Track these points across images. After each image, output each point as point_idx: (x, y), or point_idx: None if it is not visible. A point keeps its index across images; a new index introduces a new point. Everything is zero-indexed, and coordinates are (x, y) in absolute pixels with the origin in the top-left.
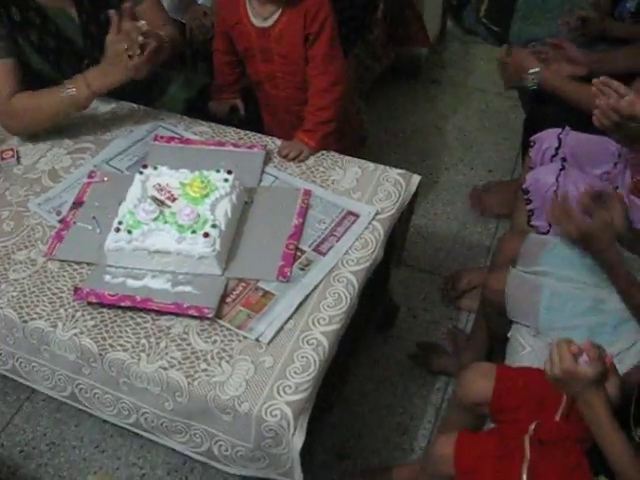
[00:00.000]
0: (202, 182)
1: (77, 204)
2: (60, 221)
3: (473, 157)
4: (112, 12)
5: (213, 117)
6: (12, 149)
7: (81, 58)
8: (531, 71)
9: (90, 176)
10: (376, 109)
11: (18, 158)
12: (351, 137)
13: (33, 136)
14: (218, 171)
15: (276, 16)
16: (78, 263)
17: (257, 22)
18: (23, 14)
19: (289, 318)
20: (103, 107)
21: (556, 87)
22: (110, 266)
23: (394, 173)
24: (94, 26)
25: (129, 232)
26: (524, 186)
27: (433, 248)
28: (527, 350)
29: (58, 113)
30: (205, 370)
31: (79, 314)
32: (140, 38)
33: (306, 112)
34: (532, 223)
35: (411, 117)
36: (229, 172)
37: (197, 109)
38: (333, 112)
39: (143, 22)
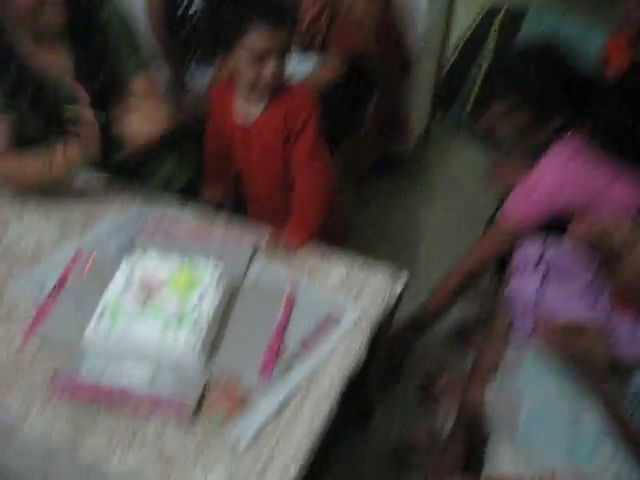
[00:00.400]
0: (189, 271)
1: (60, 284)
2: (42, 301)
3: (455, 252)
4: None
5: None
6: None
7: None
8: None
9: (75, 257)
10: (361, 203)
11: (3, 232)
12: (335, 230)
13: (20, 210)
14: (206, 261)
15: (258, 114)
16: (57, 346)
17: (240, 120)
18: (20, 71)
19: (269, 418)
20: (94, 184)
21: None
22: (90, 352)
23: (381, 270)
24: (89, 92)
25: (112, 319)
26: (506, 293)
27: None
28: (506, 459)
29: (41, 178)
30: (181, 473)
31: (55, 399)
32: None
33: (293, 207)
34: (513, 330)
35: (395, 212)
36: (216, 263)
37: (190, 191)
38: (319, 208)
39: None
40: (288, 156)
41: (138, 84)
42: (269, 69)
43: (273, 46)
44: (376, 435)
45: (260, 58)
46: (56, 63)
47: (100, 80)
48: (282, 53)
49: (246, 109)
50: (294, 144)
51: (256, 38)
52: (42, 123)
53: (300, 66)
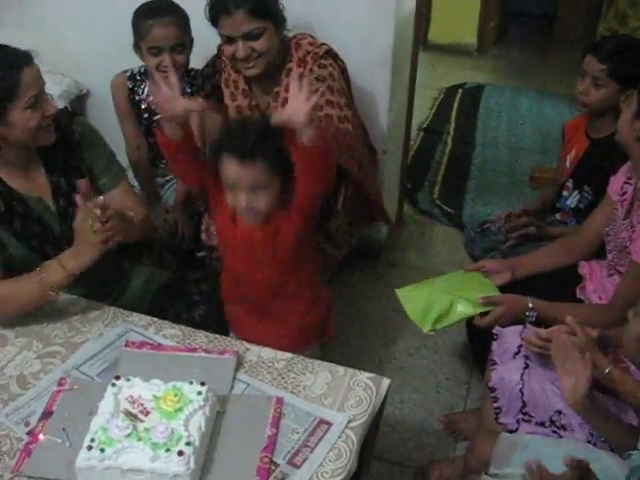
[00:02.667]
0: (175, 395)
1: (46, 414)
2: (28, 433)
3: (435, 341)
4: (78, 197)
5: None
6: None
7: (60, 242)
8: (528, 313)
9: (60, 383)
10: (337, 294)
11: None
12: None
13: (2, 339)
14: (191, 383)
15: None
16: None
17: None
18: (7, 204)
19: None
20: (73, 307)
21: (556, 313)
22: None
23: (364, 377)
24: (72, 211)
25: (102, 450)
26: (490, 384)
27: (401, 438)
28: None
29: (37, 298)
30: None
31: None
32: (98, 211)
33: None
34: (500, 421)
35: (371, 302)
36: (202, 384)
37: (159, 306)
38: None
39: (100, 197)
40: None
41: (116, 196)
42: (241, 200)
43: (242, 180)
44: None
45: (232, 188)
46: (35, 189)
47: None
48: (255, 187)
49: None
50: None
51: (228, 168)
52: (28, 251)
53: None
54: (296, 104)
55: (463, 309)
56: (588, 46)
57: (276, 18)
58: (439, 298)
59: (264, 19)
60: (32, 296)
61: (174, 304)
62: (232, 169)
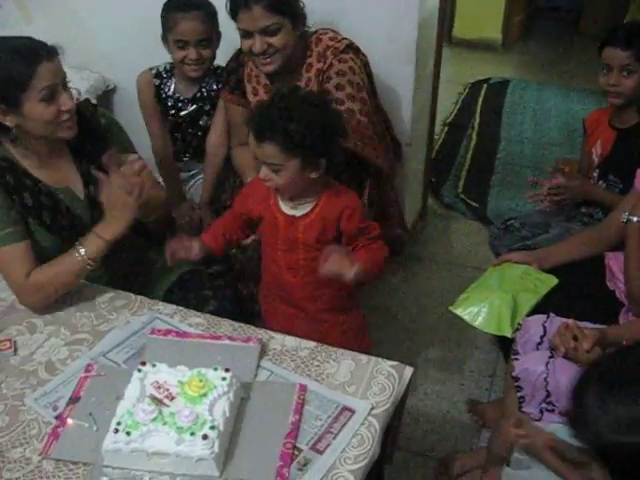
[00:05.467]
0: (200, 381)
1: (74, 399)
2: (56, 417)
3: (458, 334)
4: (100, 174)
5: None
6: (9, 340)
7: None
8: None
9: (87, 370)
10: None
11: (15, 349)
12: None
13: (29, 328)
14: (216, 369)
15: (309, 207)
16: (74, 463)
17: (287, 210)
18: (34, 198)
19: None
20: (100, 297)
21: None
22: (107, 467)
23: (387, 365)
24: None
25: (128, 434)
26: (513, 374)
27: (424, 429)
28: None
29: (77, 274)
30: None
31: None
32: (136, 166)
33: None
34: (523, 410)
35: (395, 295)
36: (227, 370)
37: (171, 298)
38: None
39: (133, 156)
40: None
41: None
42: (261, 174)
43: (260, 157)
44: None
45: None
46: (63, 180)
47: None
48: (271, 166)
49: (294, 202)
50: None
51: (251, 145)
52: (60, 242)
53: None
54: (341, 266)
55: (527, 300)
56: (602, 40)
57: (294, 14)
58: (500, 299)
59: (282, 15)
60: (72, 272)
61: (186, 297)
62: (253, 146)
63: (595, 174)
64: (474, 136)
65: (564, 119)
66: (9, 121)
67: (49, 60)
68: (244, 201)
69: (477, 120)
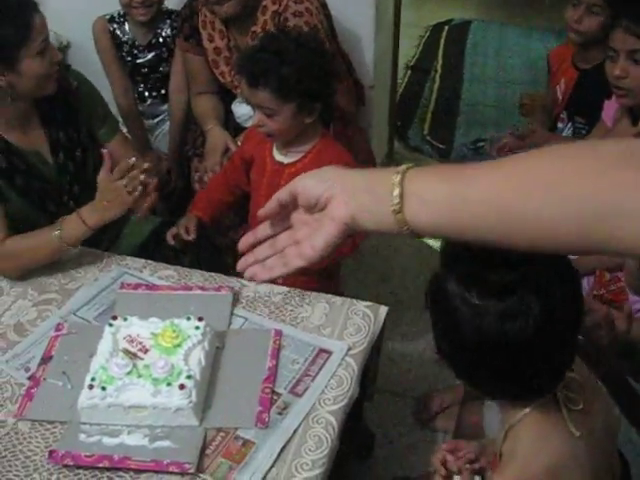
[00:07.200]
0: (173, 331)
1: (46, 359)
2: (29, 378)
3: (431, 273)
4: (105, 152)
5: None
6: None
7: (61, 196)
8: None
9: (57, 329)
10: None
11: None
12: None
13: None
14: (189, 319)
15: (299, 156)
16: (50, 422)
17: (277, 155)
18: (8, 160)
19: (271, 466)
20: (66, 255)
21: None
22: (84, 423)
23: (361, 306)
24: (71, 165)
25: (103, 388)
26: None
27: (402, 369)
28: None
29: (54, 251)
30: None
31: (54, 477)
32: (142, 176)
33: None
34: None
35: (366, 239)
36: (200, 319)
37: (150, 250)
38: None
39: (133, 158)
40: None
41: (116, 147)
42: (255, 119)
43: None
44: (377, 464)
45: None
46: (32, 143)
47: (79, 154)
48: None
49: (287, 148)
50: None
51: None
52: (30, 206)
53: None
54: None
55: None
56: None
57: None
58: None
59: None
60: (48, 249)
61: (162, 251)
62: (245, 92)
63: (564, 116)
64: (437, 78)
65: (526, 58)
66: (1, 81)
67: (38, 11)
68: (242, 146)
69: (440, 62)
